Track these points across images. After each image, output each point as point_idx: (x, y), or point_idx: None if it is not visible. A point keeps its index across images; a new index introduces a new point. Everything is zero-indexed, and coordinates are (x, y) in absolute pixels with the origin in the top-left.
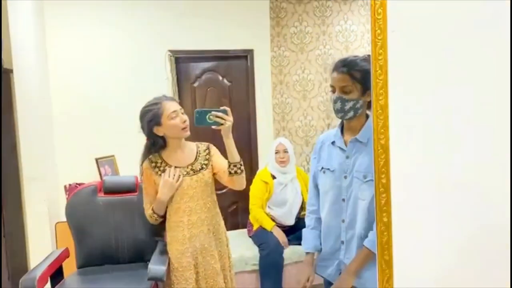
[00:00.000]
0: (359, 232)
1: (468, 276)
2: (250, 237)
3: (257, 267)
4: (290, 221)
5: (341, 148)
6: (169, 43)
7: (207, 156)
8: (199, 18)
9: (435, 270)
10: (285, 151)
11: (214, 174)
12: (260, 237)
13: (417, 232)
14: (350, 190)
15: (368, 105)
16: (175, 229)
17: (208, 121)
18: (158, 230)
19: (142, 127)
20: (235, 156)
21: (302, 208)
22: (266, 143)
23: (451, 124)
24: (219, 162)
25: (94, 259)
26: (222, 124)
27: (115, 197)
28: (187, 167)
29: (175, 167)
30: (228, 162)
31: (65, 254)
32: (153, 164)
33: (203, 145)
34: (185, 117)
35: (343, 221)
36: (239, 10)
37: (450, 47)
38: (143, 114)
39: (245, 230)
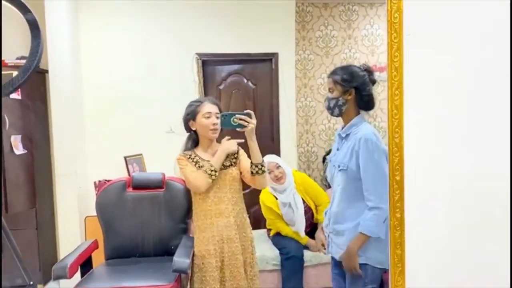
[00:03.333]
0: (334, 211)
1: (478, 271)
2: (270, 239)
3: (277, 267)
4: (302, 235)
5: (336, 142)
6: (196, 46)
7: (236, 155)
8: (225, 22)
9: (446, 264)
10: (278, 167)
11: (240, 173)
12: (279, 242)
13: (430, 228)
14: (336, 179)
15: (355, 104)
16: (202, 218)
17: (233, 123)
18: (184, 222)
19: (182, 118)
20: (257, 157)
21: (312, 215)
22: (290, 146)
23: (465, 124)
24: (245, 163)
25: (121, 251)
26: (245, 126)
27: (143, 193)
28: None
29: (207, 161)
30: (251, 162)
31: (94, 245)
32: (187, 156)
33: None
34: (217, 120)
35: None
36: (265, 14)
37: (464, 49)
38: (187, 107)
39: (266, 231)
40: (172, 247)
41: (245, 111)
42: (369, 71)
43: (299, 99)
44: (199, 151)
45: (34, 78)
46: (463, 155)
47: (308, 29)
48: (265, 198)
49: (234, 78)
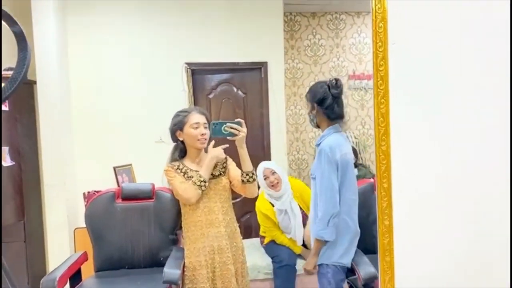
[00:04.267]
0: (310, 216)
1: (468, 277)
2: (263, 247)
3: (269, 276)
4: (299, 243)
5: None
6: (185, 55)
7: (224, 165)
8: (214, 32)
9: (435, 271)
10: (273, 173)
11: (230, 182)
12: (273, 250)
13: (418, 235)
14: (312, 186)
15: (325, 117)
16: (193, 228)
17: (224, 132)
18: (174, 232)
19: (169, 128)
20: (248, 165)
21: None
22: (280, 154)
23: (451, 130)
24: (234, 171)
25: (111, 263)
26: (236, 135)
27: (132, 204)
28: None
29: (196, 171)
30: (242, 170)
31: (83, 258)
32: (175, 167)
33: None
34: (205, 131)
35: None
36: (253, 24)
37: (448, 58)
38: (173, 117)
39: (258, 239)
40: (162, 258)
41: (236, 120)
42: (331, 85)
43: (289, 107)
44: (186, 162)
45: (22, 89)
46: (450, 162)
47: (296, 38)
48: (261, 205)
49: (224, 87)
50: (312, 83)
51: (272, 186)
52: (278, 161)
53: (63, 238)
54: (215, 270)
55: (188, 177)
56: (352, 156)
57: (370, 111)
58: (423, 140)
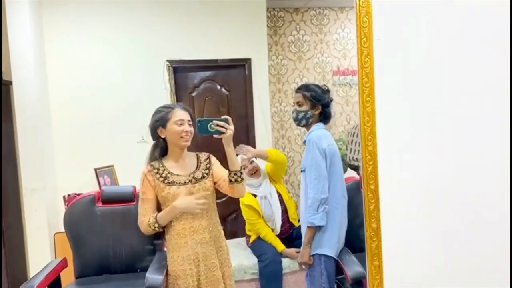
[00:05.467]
0: (301, 209)
1: (461, 280)
2: (249, 247)
3: (256, 276)
4: (277, 229)
5: None
6: (167, 53)
7: (208, 165)
8: (196, 28)
9: (426, 276)
10: (251, 162)
11: (214, 183)
12: (258, 248)
13: (407, 238)
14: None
15: (318, 117)
16: (177, 236)
17: (210, 130)
18: (157, 237)
19: (150, 125)
20: (235, 164)
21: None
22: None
23: (437, 129)
24: (219, 171)
25: (92, 269)
26: (223, 133)
27: (113, 207)
28: (189, 175)
29: (177, 174)
30: (229, 170)
31: (63, 264)
32: (155, 170)
33: (203, 155)
34: (189, 128)
35: None
36: (236, 20)
37: (435, 54)
38: (154, 113)
39: (244, 239)
40: (145, 263)
41: (223, 117)
42: (329, 91)
43: (274, 104)
44: (167, 162)
45: None
46: (439, 161)
47: (280, 34)
48: (244, 199)
49: (207, 85)
50: (297, 79)
51: (252, 174)
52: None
53: (43, 243)
54: (200, 278)
55: (168, 182)
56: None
57: (355, 107)
58: (411, 140)
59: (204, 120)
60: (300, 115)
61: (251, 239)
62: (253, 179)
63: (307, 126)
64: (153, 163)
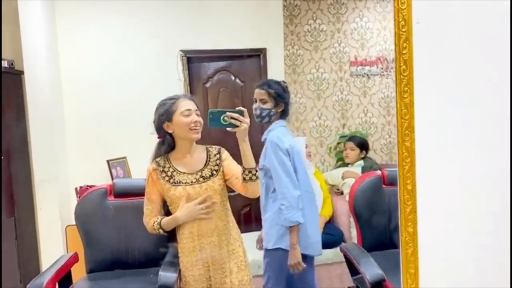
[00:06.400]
0: (262, 205)
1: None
2: None
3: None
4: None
5: None
6: (180, 43)
7: (218, 161)
8: (211, 17)
9: (466, 284)
10: (306, 146)
11: (225, 180)
12: None
13: (446, 244)
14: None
15: (280, 115)
16: (185, 240)
17: (223, 122)
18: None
19: (154, 121)
20: (250, 161)
21: None
22: None
23: (485, 125)
24: (231, 167)
25: (103, 264)
26: (237, 126)
27: (125, 200)
28: (196, 174)
29: (184, 173)
30: (243, 167)
31: (74, 259)
32: (160, 168)
33: (214, 149)
34: (198, 118)
35: None
36: (251, 8)
37: (483, 39)
38: (158, 107)
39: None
40: (159, 259)
41: (237, 108)
42: (287, 88)
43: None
44: (174, 158)
45: (9, 80)
46: (484, 161)
47: (296, 23)
48: None
49: (221, 76)
50: (313, 70)
51: (308, 156)
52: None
53: (56, 235)
54: (212, 284)
55: (174, 182)
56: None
57: (373, 99)
58: (453, 135)
59: (216, 111)
60: (264, 112)
61: None
62: (307, 160)
63: (269, 123)
64: (158, 159)
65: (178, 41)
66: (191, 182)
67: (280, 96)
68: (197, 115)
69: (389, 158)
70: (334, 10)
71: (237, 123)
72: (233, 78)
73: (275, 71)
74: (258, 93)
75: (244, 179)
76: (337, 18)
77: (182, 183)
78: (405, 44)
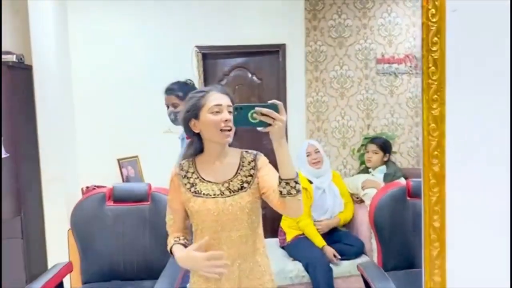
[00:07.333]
0: None
1: None
2: (282, 247)
3: (289, 282)
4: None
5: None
6: (195, 38)
7: (252, 171)
8: (227, 11)
9: None
10: (316, 152)
11: (262, 194)
12: (297, 249)
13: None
14: None
15: None
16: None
17: (251, 120)
18: None
19: (181, 118)
20: (289, 169)
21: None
22: (299, 145)
23: None
24: (268, 178)
25: (100, 274)
26: (270, 125)
27: (125, 206)
28: (223, 185)
29: (208, 181)
30: (280, 178)
31: (66, 269)
32: (183, 173)
33: (249, 155)
34: (230, 117)
35: None
36: (270, 2)
37: None
38: (185, 102)
39: (275, 240)
40: (160, 270)
41: (270, 102)
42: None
43: (310, 94)
44: (201, 163)
45: (18, 75)
46: None
47: (319, 18)
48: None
49: (238, 73)
50: (337, 67)
51: (313, 163)
52: (296, 154)
53: (62, 236)
54: None
55: (195, 192)
56: None
57: (400, 98)
58: (497, 158)
59: (244, 106)
60: (179, 116)
61: (288, 238)
62: (313, 168)
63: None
64: (183, 162)
65: (193, 37)
66: (214, 194)
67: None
68: (229, 112)
69: (416, 162)
70: (361, 5)
71: (270, 120)
72: (250, 75)
73: (295, 68)
74: (168, 98)
75: (280, 193)
76: (364, 13)
77: (204, 194)
78: (435, 38)
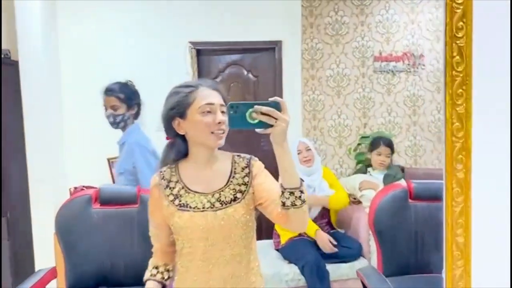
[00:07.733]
0: None
1: None
2: (277, 250)
3: (284, 285)
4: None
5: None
6: (189, 33)
7: (246, 179)
8: (223, 7)
9: None
10: (308, 150)
11: (258, 205)
12: (292, 251)
13: None
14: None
15: (134, 117)
16: (184, 282)
17: (250, 120)
18: None
19: (162, 115)
20: (293, 177)
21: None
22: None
23: None
24: (266, 187)
25: (86, 280)
26: (271, 126)
27: (112, 209)
28: (213, 195)
29: (195, 192)
30: (282, 187)
31: (50, 275)
32: (165, 182)
33: (242, 160)
34: (224, 117)
35: None
36: None
37: None
38: (168, 97)
39: (270, 242)
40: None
41: (271, 100)
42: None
43: (306, 92)
44: (185, 169)
45: (5, 71)
46: None
47: (316, 15)
48: None
49: (233, 70)
50: (333, 65)
51: (305, 161)
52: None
53: (50, 238)
54: None
55: (180, 204)
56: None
57: (398, 97)
58: None
59: (240, 104)
60: (118, 118)
61: (282, 240)
62: (304, 166)
63: (125, 128)
64: (164, 170)
65: (187, 32)
66: (203, 207)
67: (131, 99)
68: (222, 112)
69: (414, 162)
70: (358, 2)
71: (271, 121)
72: (245, 72)
73: (292, 66)
74: (107, 100)
75: (283, 204)
76: (361, 10)
77: (191, 207)
78: (461, 23)
